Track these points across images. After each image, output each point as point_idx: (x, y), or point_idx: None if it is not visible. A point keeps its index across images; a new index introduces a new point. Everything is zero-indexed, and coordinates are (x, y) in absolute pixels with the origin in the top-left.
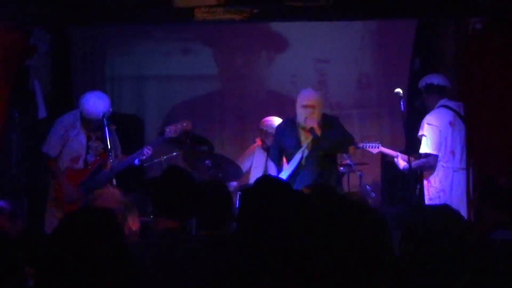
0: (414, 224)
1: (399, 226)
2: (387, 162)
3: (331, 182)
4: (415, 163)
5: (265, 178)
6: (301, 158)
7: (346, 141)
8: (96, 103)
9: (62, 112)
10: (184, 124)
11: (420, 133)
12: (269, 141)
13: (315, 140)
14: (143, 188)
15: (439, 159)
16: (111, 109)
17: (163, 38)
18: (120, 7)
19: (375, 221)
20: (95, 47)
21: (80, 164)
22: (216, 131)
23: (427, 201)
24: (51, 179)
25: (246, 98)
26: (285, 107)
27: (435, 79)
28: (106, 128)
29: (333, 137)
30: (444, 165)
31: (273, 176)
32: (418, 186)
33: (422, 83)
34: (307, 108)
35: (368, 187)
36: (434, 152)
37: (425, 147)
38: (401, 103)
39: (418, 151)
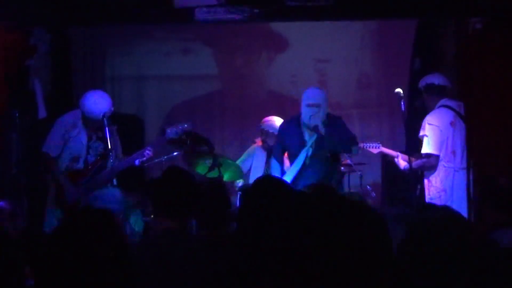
0: (414, 224)
1: (401, 226)
2: (388, 162)
3: (334, 182)
4: (415, 163)
5: (265, 178)
6: (306, 157)
7: (350, 141)
8: (97, 103)
9: (62, 112)
10: (185, 125)
11: (421, 133)
12: (270, 141)
13: (319, 139)
14: (143, 188)
15: (440, 159)
16: (112, 109)
17: (163, 38)
18: (120, 7)
19: (375, 221)
20: (95, 47)
21: (80, 164)
22: (216, 131)
23: (427, 201)
24: (51, 179)
25: (246, 98)
26: (285, 107)
27: (435, 79)
28: (107, 128)
29: (337, 137)
30: (445, 165)
31: (273, 176)
32: (419, 186)
33: (422, 83)
34: (312, 107)
35: (368, 187)
36: (435, 152)
37: (427, 147)
38: (401, 103)
39: (419, 151)
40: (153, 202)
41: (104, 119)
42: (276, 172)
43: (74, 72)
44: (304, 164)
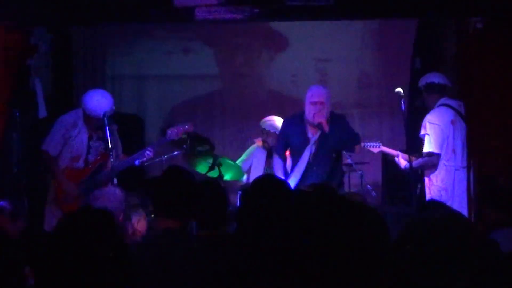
0: (414, 223)
1: (401, 225)
2: (388, 162)
3: (337, 181)
4: (416, 162)
5: (265, 178)
6: (310, 155)
7: (353, 140)
8: (99, 101)
9: (63, 112)
10: (186, 126)
11: (422, 132)
12: (270, 141)
13: (323, 137)
14: (143, 188)
15: (441, 157)
16: (114, 107)
17: (164, 38)
18: (121, 6)
19: (375, 221)
20: (95, 46)
21: (81, 164)
22: (216, 130)
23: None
24: (51, 178)
25: (246, 97)
26: (286, 107)
27: (435, 78)
28: (107, 127)
29: (341, 135)
30: (446, 163)
31: (273, 175)
32: (419, 185)
33: (422, 82)
34: (316, 105)
35: (369, 186)
36: (436, 151)
37: (428, 146)
38: (402, 103)
39: (419, 150)
40: (153, 202)
41: (105, 118)
42: (278, 168)
43: (75, 71)
44: (308, 163)
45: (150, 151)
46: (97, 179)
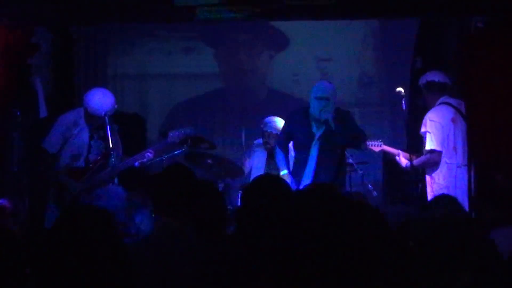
0: (414, 223)
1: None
2: (389, 161)
3: (342, 180)
4: (417, 160)
5: (265, 178)
6: (317, 151)
7: (359, 137)
8: (101, 100)
9: (64, 111)
10: (188, 130)
11: (422, 130)
12: (271, 142)
13: (328, 133)
14: (144, 186)
15: (442, 155)
16: (116, 106)
17: (165, 37)
18: (122, 6)
19: (375, 221)
20: (97, 46)
21: (81, 162)
22: (217, 130)
23: (430, 198)
24: (52, 177)
25: (247, 96)
26: (287, 106)
27: (436, 77)
28: (108, 127)
29: (347, 132)
30: (448, 161)
31: (273, 175)
32: (420, 184)
33: (422, 80)
34: (321, 100)
35: (369, 185)
36: (438, 148)
37: (430, 143)
38: (402, 102)
39: (419, 149)
40: (154, 200)
41: (106, 117)
42: (280, 161)
43: (76, 71)
44: (317, 159)
45: (150, 152)
46: (97, 179)
